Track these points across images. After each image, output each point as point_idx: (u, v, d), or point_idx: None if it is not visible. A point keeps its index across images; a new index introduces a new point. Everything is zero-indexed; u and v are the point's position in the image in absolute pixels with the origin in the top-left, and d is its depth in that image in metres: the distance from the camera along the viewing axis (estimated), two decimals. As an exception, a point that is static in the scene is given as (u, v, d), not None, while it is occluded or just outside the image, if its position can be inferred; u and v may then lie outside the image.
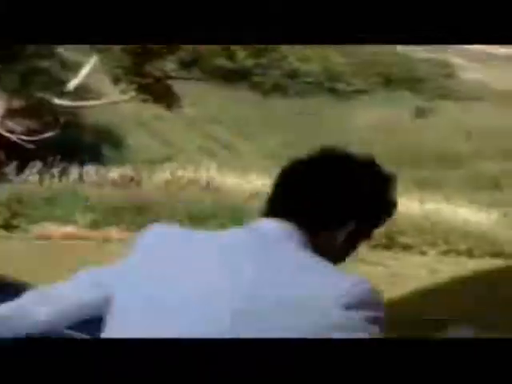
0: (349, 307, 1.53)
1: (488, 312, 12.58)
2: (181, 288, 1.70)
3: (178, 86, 23.76)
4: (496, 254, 19.55)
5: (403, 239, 19.45)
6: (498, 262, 18.88)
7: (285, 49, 33.32)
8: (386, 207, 1.79)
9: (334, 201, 1.72)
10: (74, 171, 21.23)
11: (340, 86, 41.53)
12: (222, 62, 33.28)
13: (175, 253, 1.76)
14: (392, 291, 13.28)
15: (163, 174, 22.79)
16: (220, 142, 36.22)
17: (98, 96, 26.53)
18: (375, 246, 18.21)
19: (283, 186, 1.79)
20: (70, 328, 1.90)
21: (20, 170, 20.18)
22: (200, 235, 1.82)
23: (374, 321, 1.57)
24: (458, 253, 19.54)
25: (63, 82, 23.90)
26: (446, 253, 19.50)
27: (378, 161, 1.80)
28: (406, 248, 19.40)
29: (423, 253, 19.31)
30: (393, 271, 16.17)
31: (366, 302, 1.57)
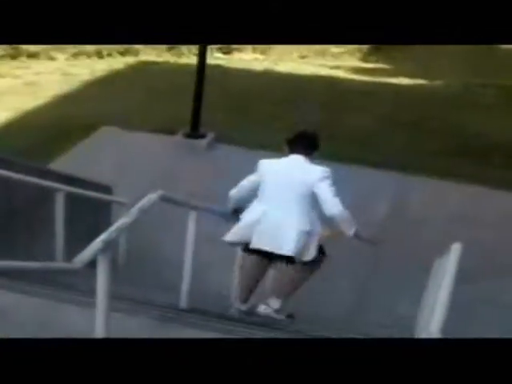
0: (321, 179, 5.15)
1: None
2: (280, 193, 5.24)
3: None
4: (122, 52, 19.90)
5: (28, 47, 18.42)
6: (128, 59, 19.41)
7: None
8: None
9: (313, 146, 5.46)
10: None
11: None
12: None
13: (277, 175, 5.28)
14: (35, 100, 13.58)
15: None
16: None
17: None
18: (1, 58, 17.65)
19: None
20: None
21: None
22: (279, 164, 5.38)
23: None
24: (88, 54, 19.36)
25: None
26: (75, 55, 19.20)
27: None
28: (34, 56, 18.68)
29: (52, 58, 18.78)
30: (26, 81, 15.57)
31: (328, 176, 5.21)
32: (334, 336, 4.32)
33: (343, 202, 5.05)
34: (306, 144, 5.39)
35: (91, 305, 3.86)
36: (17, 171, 5.20)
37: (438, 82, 18.76)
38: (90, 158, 10.39)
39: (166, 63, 18.75)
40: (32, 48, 18.62)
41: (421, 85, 18.32)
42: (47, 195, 5.51)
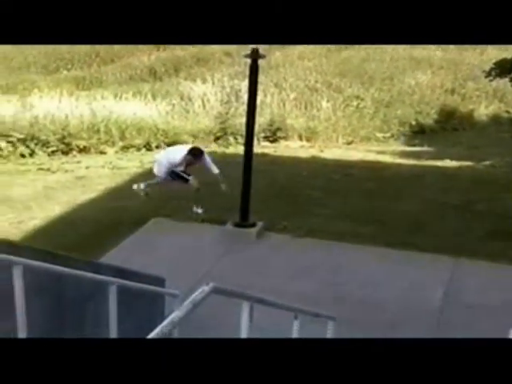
0: None
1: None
2: None
3: None
4: (170, 144, 20.17)
5: (79, 142, 19.34)
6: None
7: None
8: None
9: None
10: None
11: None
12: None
13: None
14: (85, 193, 13.97)
15: None
16: None
17: None
18: (53, 153, 18.43)
19: None
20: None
21: None
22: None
23: None
24: (137, 147, 20.09)
25: None
26: (124, 149, 19.92)
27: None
28: (84, 150, 19.39)
29: (102, 152, 19.48)
30: (77, 175, 16.03)
31: None
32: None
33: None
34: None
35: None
36: (69, 266, 5.27)
37: (483, 164, 18.72)
38: (141, 249, 10.51)
39: (213, 153, 19.13)
40: (83, 143, 19.30)
41: (467, 167, 18.29)
42: (100, 289, 5.57)
